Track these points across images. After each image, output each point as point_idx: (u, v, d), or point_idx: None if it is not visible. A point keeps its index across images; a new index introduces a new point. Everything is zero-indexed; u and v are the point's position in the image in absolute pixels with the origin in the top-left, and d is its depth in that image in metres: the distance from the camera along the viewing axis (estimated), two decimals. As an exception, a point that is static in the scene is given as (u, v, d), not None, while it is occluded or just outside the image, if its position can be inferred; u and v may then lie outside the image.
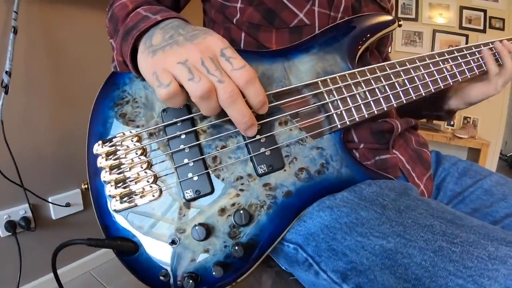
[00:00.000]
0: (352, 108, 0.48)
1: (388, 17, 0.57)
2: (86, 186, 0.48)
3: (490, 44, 0.69)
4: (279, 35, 0.55)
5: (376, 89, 0.50)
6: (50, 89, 1.19)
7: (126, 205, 0.44)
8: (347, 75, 0.49)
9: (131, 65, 0.45)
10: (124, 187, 0.45)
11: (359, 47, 0.53)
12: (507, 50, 0.67)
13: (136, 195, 0.45)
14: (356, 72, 0.50)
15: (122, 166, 0.45)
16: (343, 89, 0.48)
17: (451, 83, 0.58)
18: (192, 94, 0.37)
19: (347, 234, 0.40)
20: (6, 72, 1.01)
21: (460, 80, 0.60)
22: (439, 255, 0.35)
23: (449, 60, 0.59)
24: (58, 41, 1.19)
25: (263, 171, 0.45)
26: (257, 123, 0.44)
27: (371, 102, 0.49)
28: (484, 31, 3.62)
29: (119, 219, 0.45)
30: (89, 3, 1.24)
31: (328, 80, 0.48)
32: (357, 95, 0.49)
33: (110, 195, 0.45)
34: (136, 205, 0.45)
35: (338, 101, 0.48)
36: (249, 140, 0.45)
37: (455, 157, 0.69)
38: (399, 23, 0.58)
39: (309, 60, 0.50)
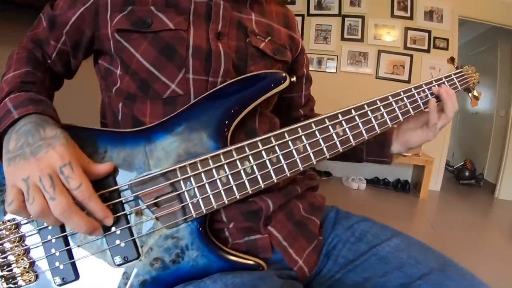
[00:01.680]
0: (211, 196, 0.49)
1: (276, 76, 0.54)
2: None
3: (432, 82, 0.69)
4: (153, 107, 0.55)
5: (242, 172, 0.50)
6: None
7: (12, 286, 0.52)
8: (209, 158, 0.49)
9: None
10: (8, 271, 0.52)
11: (232, 120, 0.51)
12: (449, 96, 0.67)
13: (19, 277, 0.52)
14: (221, 154, 0.49)
15: (5, 251, 0.52)
16: (202, 175, 0.49)
17: (341, 150, 0.54)
18: (30, 213, 0.43)
19: None
20: None
21: (353, 144, 0.55)
22: None
23: (343, 123, 0.55)
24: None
25: (119, 262, 0.49)
26: (111, 216, 0.47)
27: (234, 187, 0.49)
28: (428, 51, 4.01)
29: (10, 297, 0.53)
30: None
31: (187, 166, 0.49)
32: (218, 181, 0.49)
33: (-2, 276, 0.53)
34: (20, 286, 0.52)
35: (195, 189, 0.49)
36: (106, 233, 0.49)
37: (355, 217, 0.67)
38: (291, 79, 0.55)
39: (172, 141, 0.50)
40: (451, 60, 0.87)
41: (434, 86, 0.69)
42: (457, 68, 0.82)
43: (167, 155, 0.50)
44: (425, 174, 3.57)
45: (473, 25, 4.33)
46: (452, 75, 0.75)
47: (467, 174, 4.71)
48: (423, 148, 3.79)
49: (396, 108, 0.63)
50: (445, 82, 0.72)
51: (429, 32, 3.98)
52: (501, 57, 4.57)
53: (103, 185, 0.49)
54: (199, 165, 0.49)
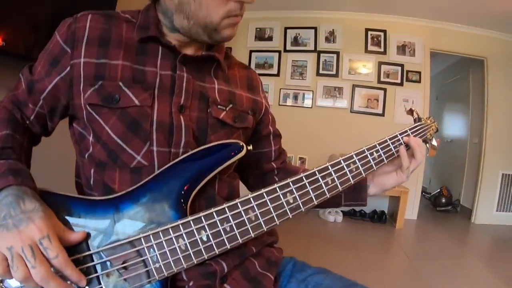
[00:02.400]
0: (171, 261, 0.56)
1: (233, 146, 0.63)
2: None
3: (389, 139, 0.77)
4: (122, 175, 0.63)
5: (198, 240, 0.57)
6: None
7: None
8: (170, 228, 0.57)
9: None
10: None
11: (191, 191, 0.60)
12: (417, 144, 0.76)
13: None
14: (180, 225, 0.57)
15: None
16: (164, 243, 0.56)
17: (291, 217, 0.62)
18: (15, 278, 0.50)
19: None
20: None
21: (303, 210, 0.64)
22: None
23: (293, 190, 0.63)
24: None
25: (90, 318, 0.55)
26: (85, 279, 0.54)
27: (191, 253, 0.57)
28: (401, 84, 4.28)
29: None
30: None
31: (151, 235, 0.56)
32: (178, 248, 0.56)
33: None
34: None
35: (158, 256, 0.56)
36: (80, 292, 0.55)
37: (311, 269, 0.74)
38: (248, 148, 0.63)
39: (138, 211, 0.58)
40: (410, 111, 0.92)
41: (402, 137, 0.77)
42: (415, 120, 0.89)
43: (133, 224, 0.58)
44: (400, 204, 3.72)
45: (445, 55, 4.59)
46: (408, 130, 0.81)
47: (443, 201, 4.90)
48: (398, 179, 3.97)
49: (347, 172, 0.70)
50: (400, 138, 0.78)
51: (402, 65, 4.19)
52: (473, 85, 4.83)
53: (77, 250, 0.56)
54: (160, 234, 0.57)
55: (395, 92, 4.17)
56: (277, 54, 4.27)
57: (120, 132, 0.63)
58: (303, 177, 0.65)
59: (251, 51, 4.35)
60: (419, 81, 4.19)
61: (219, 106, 0.70)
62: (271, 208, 0.61)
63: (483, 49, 4.28)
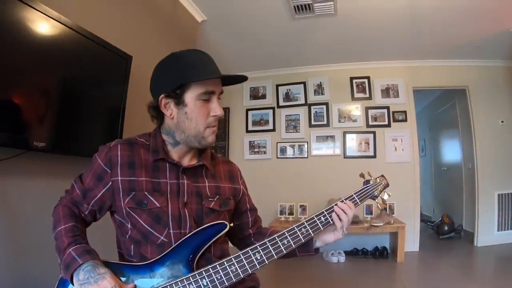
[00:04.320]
0: (186, 299, 0.96)
1: (220, 225, 1.04)
2: None
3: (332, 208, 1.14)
4: (151, 248, 1.03)
5: (202, 285, 0.97)
6: (7, 237, 1.51)
7: None
8: (184, 279, 0.97)
9: (71, 282, 0.96)
10: None
11: (195, 256, 1.00)
12: (342, 211, 1.11)
13: None
14: (190, 277, 0.97)
15: None
16: (180, 288, 0.97)
17: (258, 267, 1.02)
18: None
19: None
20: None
21: (267, 262, 1.03)
22: None
23: (260, 251, 1.03)
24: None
25: None
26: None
27: (198, 294, 0.97)
28: (389, 125, 4.54)
29: None
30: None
31: (173, 284, 0.96)
32: (190, 291, 0.97)
33: None
34: None
35: (179, 296, 0.96)
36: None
37: None
38: (230, 225, 1.04)
39: (164, 270, 0.99)
40: (362, 175, 1.26)
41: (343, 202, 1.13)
42: (364, 183, 1.22)
43: (162, 277, 0.98)
44: (399, 238, 3.98)
45: (430, 89, 4.98)
46: (353, 194, 1.17)
47: (446, 228, 5.10)
48: (395, 215, 4.26)
49: (299, 234, 1.09)
50: (345, 202, 1.14)
51: (387, 108, 4.60)
52: (460, 114, 5.17)
53: (129, 296, 0.96)
54: (179, 283, 0.96)
55: (383, 133, 4.57)
56: (271, 110, 4.80)
57: (149, 223, 1.04)
58: (267, 241, 1.05)
59: (247, 110, 4.89)
60: (405, 120, 4.58)
61: (209, 199, 1.11)
62: (245, 263, 1.01)
63: (463, 78, 4.67)
